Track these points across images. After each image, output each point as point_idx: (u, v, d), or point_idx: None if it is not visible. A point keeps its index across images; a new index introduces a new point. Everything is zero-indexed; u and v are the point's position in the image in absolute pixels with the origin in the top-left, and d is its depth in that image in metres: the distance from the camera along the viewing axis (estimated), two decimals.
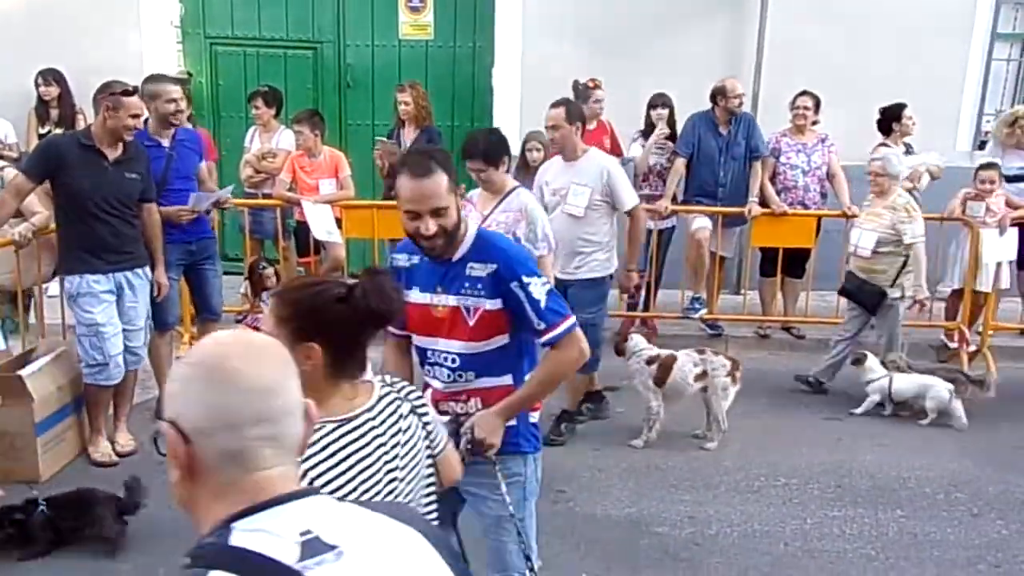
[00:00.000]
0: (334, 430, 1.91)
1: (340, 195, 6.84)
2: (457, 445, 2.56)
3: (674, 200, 7.05)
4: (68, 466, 4.78)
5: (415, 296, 2.74)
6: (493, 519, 2.85)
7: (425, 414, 2.14)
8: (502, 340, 2.71)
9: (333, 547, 1.18)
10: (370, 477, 1.92)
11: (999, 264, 6.83)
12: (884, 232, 5.89)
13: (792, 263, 7.22)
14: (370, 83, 8.45)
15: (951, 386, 5.77)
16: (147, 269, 4.91)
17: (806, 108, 6.99)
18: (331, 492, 1.80)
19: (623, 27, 7.94)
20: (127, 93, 4.59)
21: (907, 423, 5.74)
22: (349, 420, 1.94)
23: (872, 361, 5.91)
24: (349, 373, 1.99)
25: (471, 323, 2.67)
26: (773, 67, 7.85)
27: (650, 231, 7.08)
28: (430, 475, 2.13)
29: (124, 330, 4.80)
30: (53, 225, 4.94)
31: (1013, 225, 6.75)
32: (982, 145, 7.94)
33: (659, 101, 7.00)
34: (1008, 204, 6.78)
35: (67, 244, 4.72)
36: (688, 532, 4.32)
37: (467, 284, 2.65)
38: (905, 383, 5.84)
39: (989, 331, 6.96)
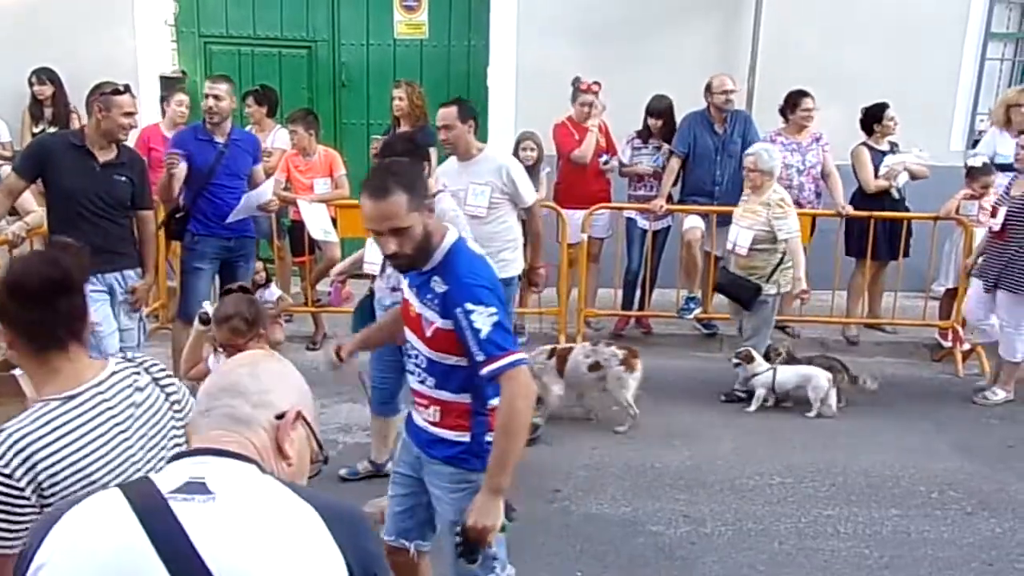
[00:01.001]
0: (59, 406, 1.96)
1: (335, 194, 6.83)
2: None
3: (670, 199, 7.06)
4: None
5: (405, 288, 2.81)
6: (447, 523, 2.84)
7: (169, 384, 2.13)
8: (458, 360, 2.64)
9: (209, 493, 1.34)
10: (102, 447, 1.96)
11: None
12: (760, 229, 5.77)
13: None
14: (365, 82, 8.44)
15: (829, 375, 5.81)
16: (137, 271, 4.90)
17: (812, 110, 6.99)
18: (61, 464, 1.89)
19: (618, 26, 7.94)
20: (117, 92, 4.57)
21: (900, 420, 5.76)
22: (75, 396, 1.99)
23: (757, 356, 5.86)
24: (54, 349, 2.01)
25: (428, 334, 2.67)
26: (767, 66, 7.85)
27: (645, 231, 7.10)
28: (180, 444, 2.09)
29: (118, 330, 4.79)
30: (47, 224, 4.93)
31: None
32: (975, 144, 7.96)
33: (659, 106, 6.98)
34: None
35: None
36: (683, 531, 4.32)
37: (429, 296, 2.64)
38: (787, 375, 5.84)
39: None
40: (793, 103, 7.03)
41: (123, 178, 4.68)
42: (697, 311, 7.16)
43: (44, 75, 7.49)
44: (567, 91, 6.98)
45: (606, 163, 7.03)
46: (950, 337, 7.02)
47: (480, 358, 2.54)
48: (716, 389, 6.15)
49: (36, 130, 7.43)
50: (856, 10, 7.99)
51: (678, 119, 7.04)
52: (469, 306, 2.54)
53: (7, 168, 5.30)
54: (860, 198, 7.09)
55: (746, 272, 5.87)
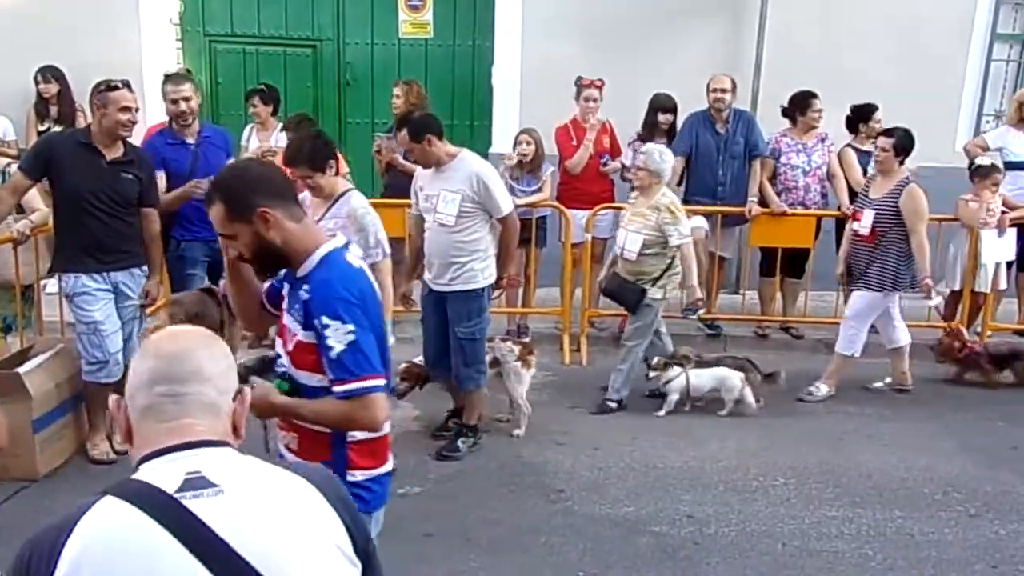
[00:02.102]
0: None
1: None
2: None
3: None
4: (66, 464, 4.78)
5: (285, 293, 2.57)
6: None
7: None
8: (321, 380, 2.39)
9: (215, 485, 1.38)
10: None
11: (997, 265, 6.84)
12: (649, 233, 5.59)
13: (791, 263, 7.22)
14: (370, 81, 8.46)
15: (742, 375, 5.80)
16: (145, 268, 4.90)
17: (822, 111, 6.97)
18: None
19: (623, 26, 7.94)
20: (113, 88, 4.55)
21: (905, 422, 5.75)
22: None
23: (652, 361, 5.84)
24: None
25: (290, 347, 2.46)
26: (772, 67, 7.86)
27: None
28: None
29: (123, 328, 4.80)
30: (52, 222, 4.94)
31: (1011, 226, 6.77)
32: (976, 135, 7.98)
33: (665, 104, 6.98)
34: (1006, 205, 6.80)
35: (63, 242, 4.70)
36: (687, 531, 4.32)
37: (296, 305, 2.41)
38: (702, 378, 5.80)
39: (987, 331, 6.97)
40: (803, 104, 7.01)
41: (130, 176, 4.67)
42: (701, 311, 7.14)
43: (50, 73, 7.51)
44: (572, 91, 6.97)
45: (605, 164, 7.02)
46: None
47: (330, 376, 2.34)
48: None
49: (42, 128, 7.45)
50: (861, 11, 7.99)
51: (679, 119, 7.04)
52: (325, 320, 2.31)
53: (13, 166, 5.29)
54: (850, 199, 7.07)
55: (634, 276, 5.70)
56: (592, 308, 7.19)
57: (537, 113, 7.34)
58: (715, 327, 7.34)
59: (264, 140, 7.16)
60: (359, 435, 2.44)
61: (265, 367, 2.61)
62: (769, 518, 4.46)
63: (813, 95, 6.99)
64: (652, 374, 5.78)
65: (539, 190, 6.80)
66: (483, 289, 4.98)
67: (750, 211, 6.93)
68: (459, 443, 5.11)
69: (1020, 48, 8.58)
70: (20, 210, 5.12)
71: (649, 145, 5.98)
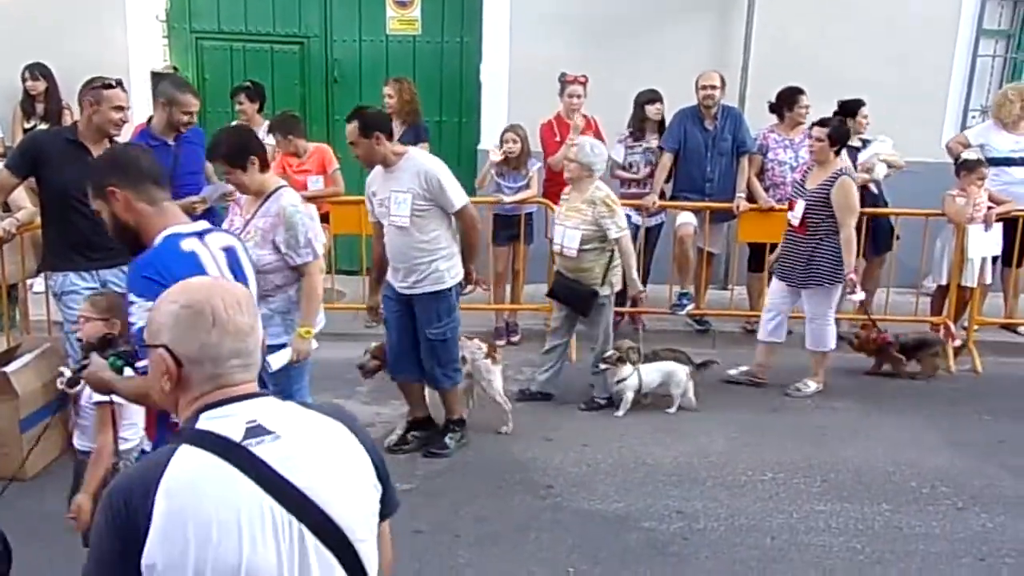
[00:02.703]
0: None
1: (328, 191, 6.81)
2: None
3: (662, 196, 7.08)
4: (54, 463, 4.76)
5: None
6: None
7: None
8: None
9: (272, 432, 1.61)
10: None
11: (983, 259, 6.88)
12: (588, 228, 5.50)
13: None
14: (357, 78, 8.43)
15: (688, 368, 5.80)
16: None
17: (808, 107, 7.00)
18: None
19: (611, 23, 7.95)
20: (108, 86, 4.55)
21: (891, 416, 5.78)
22: None
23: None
24: None
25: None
26: (760, 64, 7.88)
27: (638, 227, 7.11)
28: None
29: None
30: (39, 221, 4.91)
31: (997, 221, 6.81)
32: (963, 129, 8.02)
33: (652, 97, 6.98)
34: (992, 200, 6.83)
35: (50, 241, 4.68)
36: (676, 527, 4.33)
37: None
38: (651, 374, 5.75)
39: (974, 326, 7.01)
40: (790, 101, 7.04)
41: None
42: (690, 307, 7.19)
43: (37, 70, 7.46)
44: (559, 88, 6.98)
45: None
46: (942, 333, 7.04)
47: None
48: (709, 386, 6.16)
49: (28, 126, 7.41)
50: (848, 7, 8.01)
51: (667, 115, 7.05)
52: (132, 296, 2.41)
53: None
54: None
55: (575, 274, 5.60)
56: None
57: (525, 110, 7.33)
58: (704, 323, 7.36)
59: None
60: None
61: (104, 345, 2.75)
62: (758, 513, 4.48)
63: (800, 91, 7.01)
64: (604, 366, 5.70)
65: (526, 186, 6.80)
66: (451, 288, 4.87)
67: (738, 207, 6.95)
68: (447, 439, 5.10)
69: (1006, 44, 8.62)
70: (6, 208, 5.09)
71: (581, 138, 5.86)
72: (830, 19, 8.00)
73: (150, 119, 5.31)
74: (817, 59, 7.73)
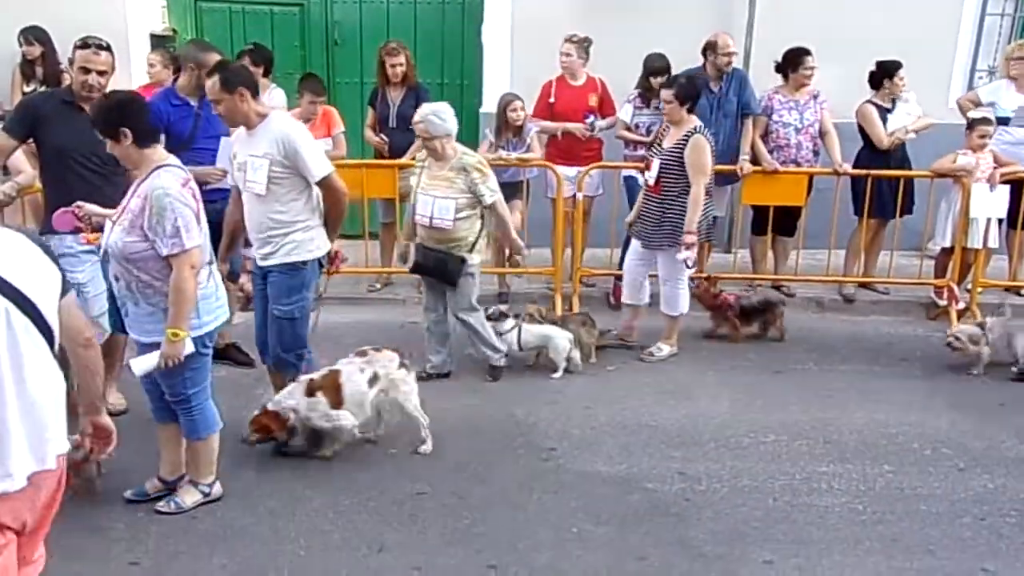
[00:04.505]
0: None
1: (332, 154, 6.75)
2: None
3: None
4: None
5: None
6: None
7: None
8: None
9: None
10: None
11: (988, 221, 6.84)
12: (460, 197, 5.20)
13: (783, 221, 7.22)
14: (358, 41, 8.34)
15: (570, 335, 5.75)
16: None
17: (814, 68, 6.92)
18: None
19: None
20: (82, 47, 4.53)
21: (894, 379, 5.78)
22: None
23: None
24: None
25: None
26: (765, 24, 7.78)
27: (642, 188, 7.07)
28: None
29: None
30: (39, 184, 4.89)
31: (1003, 183, 6.76)
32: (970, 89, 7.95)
33: (659, 65, 6.89)
34: (996, 161, 6.78)
35: (50, 203, 4.67)
36: (678, 488, 4.35)
37: None
38: (530, 334, 5.73)
39: (978, 288, 6.99)
40: (795, 61, 6.96)
41: None
42: (693, 269, 7.15)
43: (31, 35, 7.38)
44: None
45: (591, 125, 6.95)
46: (945, 296, 7.03)
47: None
48: (712, 347, 6.15)
49: (27, 89, 7.34)
50: None
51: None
52: None
53: None
54: (868, 156, 7.05)
55: (447, 245, 5.30)
56: (583, 267, 7.19)
57: (527, 71, 7.27)
58: None
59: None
60: None
61: None
62: (760, 474, 4.50)
63: (806, 52, 6.93)
64: (488, 324, 5.66)
65: (527, 151, 6.76)
66: (306, 263, 4.48)
67: (742, 169, 6.90)
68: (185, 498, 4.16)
69: (1015, 2, 8.49)
70: (6, 172, 5.07)
71: (425, 109, 5.28)
72: None
73: (175, 79, 5.33)
74: (823, 19, 7.63)
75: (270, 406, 4.47)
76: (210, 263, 3.86)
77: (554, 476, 4.44)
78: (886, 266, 7.29)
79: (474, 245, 5.37)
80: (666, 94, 5.80)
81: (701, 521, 4.06)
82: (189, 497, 4.07)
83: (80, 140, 4.50)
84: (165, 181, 3.59)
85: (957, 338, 5.86)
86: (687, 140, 5.71)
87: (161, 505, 4.05)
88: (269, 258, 4.48)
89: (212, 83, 4.26)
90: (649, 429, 5.00)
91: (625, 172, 7.09)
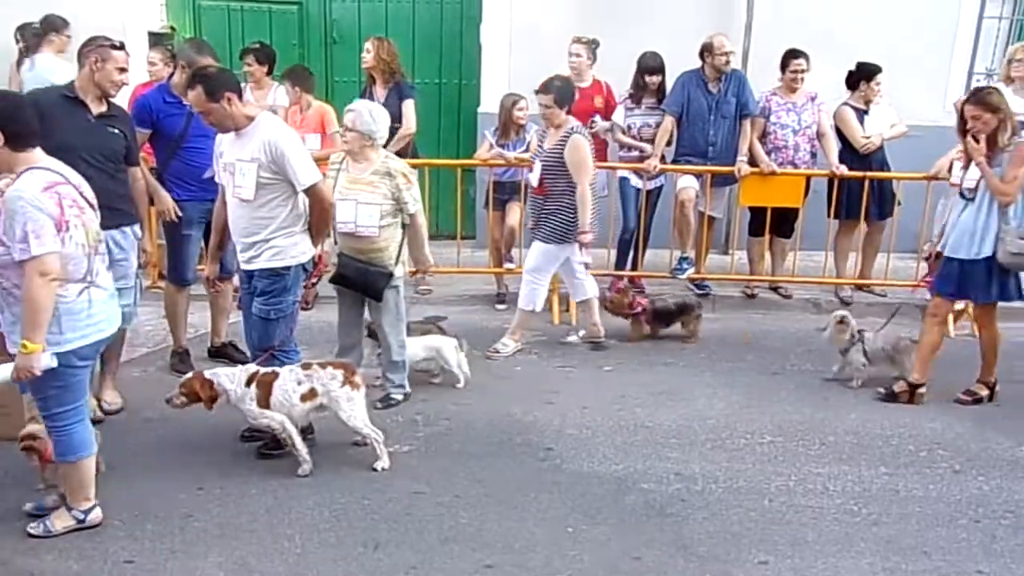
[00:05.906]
0: None
1: (323, 153, 6.73)
2: None
3: (663, 159, 7.04)
4: None
5: None
6: None
7: None
8: None
9: None
10: None
11: None
12: (384, 203, 4.92)
13: (780, 223, 7.24)
14: (356, 39, 8.31)
15: (455, 341, 5.59)
16: (136, 228, 4.85)
17: (802, 70, 6.94)
18: None
19: None
20: (115, 47, 4.56)
21: (890, 382, 5.78)
22: None
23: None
24: None
25: None
26: (763, 25, 7.80)
27: (638, 190, 7.09)
28: None
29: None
30: None
31: None
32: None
33: (653, 64, 6.91)
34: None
35: None
36: (674, 488, 4.35)
37: None
38: (416, 347, 5.41)
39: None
40: (783, 63, 7.00)
41: (116, 130, 4.64)
42: (690, 271, 7.18)
43: (28, 32, 7.37)
44: (561, 48, 6.91)
45: (593, 125, 6.96)
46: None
47: None
48: (709, 349, 6.16)
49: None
50: None
51: (669, 78, 6.98)
52: None
53: None
54: (849, 158, 7.06)
55: (368, 255, 4.99)
56: None
57: (526, 71, 7.25)
58: (704, 287, 7.36)
59: (260, 99, 6.99)
60: None
61: None
62: (756, 475, 4.50)
63: (793, 55, 6.95)
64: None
65: (527, 150, 6.77)
66: (288, 268, 4.45)
67: (739, 170, 6.91)
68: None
69: (1013, 5, 8.51)
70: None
71: (359, 102, 5.16)
72: None
73: (170, 76, 5.43)
74: (821, 20, 7.66)
75: (208, 374, 4.33)
76: (88, 281, 3.58)
77: (550, 476, 4.45)
78: (882, 268, 7.30)
79: (398, 257, 5.07)
80: (543, 99, 5.82)
81: (697, 522, 4.06)
82: (60, 522, 3.79)
83: (84, 136, 4.50)
84: (22, 183, 3.38)
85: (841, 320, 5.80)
86: (566, 140, 5.75)
87: (33, 526, 3.79)
88: (252, 262, 4.47)
89: (196, 95, 4.22)
90: (645, 430, 5.00)
91: (620, 173, 7.12)
